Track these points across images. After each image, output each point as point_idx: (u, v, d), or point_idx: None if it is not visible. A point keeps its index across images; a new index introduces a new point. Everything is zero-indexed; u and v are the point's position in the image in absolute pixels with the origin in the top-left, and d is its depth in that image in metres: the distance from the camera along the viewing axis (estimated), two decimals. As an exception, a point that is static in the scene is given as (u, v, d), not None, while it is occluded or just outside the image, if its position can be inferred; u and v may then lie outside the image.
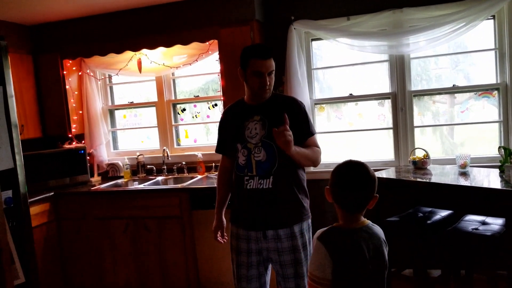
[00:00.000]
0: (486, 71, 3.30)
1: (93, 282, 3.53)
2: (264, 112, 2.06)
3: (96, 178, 3.97)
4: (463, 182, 2.74)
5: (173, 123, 4.02)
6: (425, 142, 3.45)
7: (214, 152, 3.64)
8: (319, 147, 2.14)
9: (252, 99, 2.12)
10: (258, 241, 2.05)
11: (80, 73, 3.99)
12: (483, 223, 2.69)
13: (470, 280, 2.76)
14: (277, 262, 2.05)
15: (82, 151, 3.82)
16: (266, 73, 2.00)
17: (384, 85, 3.47)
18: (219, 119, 2.30)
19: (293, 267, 2.02)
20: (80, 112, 4.00)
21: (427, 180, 2.87)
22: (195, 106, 3.99)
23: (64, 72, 3.86)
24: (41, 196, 3.41)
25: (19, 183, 2.36)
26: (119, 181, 3.86)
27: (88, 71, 3.98)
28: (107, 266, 3.48)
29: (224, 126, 2.23)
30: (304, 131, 2.08)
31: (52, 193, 3.52)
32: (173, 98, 4.02)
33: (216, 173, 3.69)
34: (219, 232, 2.30)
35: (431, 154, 3.26)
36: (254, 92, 2.06)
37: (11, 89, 2.41)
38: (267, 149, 2.01)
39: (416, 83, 3.44)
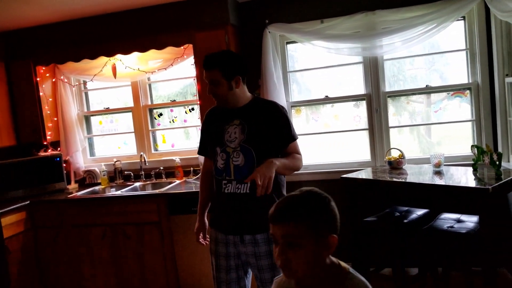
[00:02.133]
0: (459, 71, 3.36)
1: (72, 291, 3.47)
2: (244, 116, 2.05)
3: (73, 186, 3.91)
4: (437, 181, 2.78)
5: (150, 128, 3.98)
6: (403, 142, 3.49)
7: (192, 156, 3.72)
8: (300, 153, 2.12)
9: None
10: (236, 245, 2.05)
11: (54, 80, 3.93)
12: (458, 220, 2.73)
13: (447, 277, 2.81)
14: (255, 266, 2.04)
15: (58, 159, 3.76)
16: (208, 82, 2.03)
17: (359, 87, 3.50)
18: (197, 123, 2.32)
19: (271, 271, 2.01)
20: (55, 119, 3.93)
21: (402, 180, 2.91)
22: (172, 110, 3.96)
23: (38, 79, 3.79)
24: (16, 205, 3.34)
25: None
26: (97, 188, 3.80)
27: (62, 77, 3.91)
28: (85, 273, 3.43)
29: (206, 128, 2.21)
30: (285, 136, 2.06)
31: (28, 202, 3.45)
32: (149, 103, 3.99)
33: (195, 177, 3.72)
34: (200, 234, 2.28)
35: (408, 153, 3.30)
36: None
37: None
38: (245, 154, 2.00)
39: (392, 84, 3.49)
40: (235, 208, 2.02)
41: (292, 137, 2.09)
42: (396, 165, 3.16)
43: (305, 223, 1.09)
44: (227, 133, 2.04)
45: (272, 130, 2.02)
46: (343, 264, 1.18)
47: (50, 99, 3.91)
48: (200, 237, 2.29)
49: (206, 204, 2.29)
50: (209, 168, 2.22)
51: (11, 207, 3.27)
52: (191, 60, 3.53)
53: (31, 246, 3.46)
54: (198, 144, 2.31)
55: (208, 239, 2.24)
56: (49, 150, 3.89)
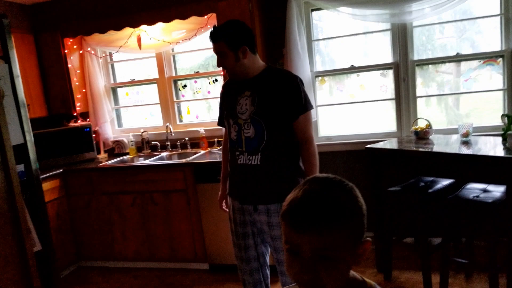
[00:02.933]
0: (491, 38, 3.23)
1: (105, 253, 3.66)
2: (254, 87, 2.03)
3: (102, 155, 4.05)
4: (464, 150, 2.73)
5: (174, 100, 4.04)
6: (430, 114, 3.42)
7: (215, 127, 3.77)
8: (310, 135, 2.05)
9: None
10: (250, 213, 2.09)
11: (81, 52, 4.00)
12: (485, 190, 2.70)
13: (470, 247, 2.80)
14: (269, 235, 2.08)
15: (88, 129, 3.88)
16: (216, 54, 2.04)
17: (387, 55, 3.42)
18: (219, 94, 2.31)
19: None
20: (84, 90, 4.03)
21: (428, 150, 2.87)
22: (195, 82, 3.99)
23: (66, 51, 3.88)
24: (50, 173, 3.49)
25: (30, 157, 2.43)
26: (125, 157, 3.93)
27: (89, 49, 3.98)
28: (117, 237, 3.60)
29: (222, 100, 2.23)
30: (296, 107, 2.00)
31: (61, 170, 3.60)
32: (173, 74, 4.02)
33: (219, 148, 3.78)
34: (223, 202, 2.35)
35: (436, 125, 3.24)
36: None
37: (16, 69, 2.43)
38: (255, 126, 2.00)
39: (421, 53, 3.39)
40: (248, 178, 2.05)
41: (303, 108, 2.01)
42: (422, 135, 3.12)
43: (345, 232, 0.84)
44: (239, 104, 2.04)
45: (283, 100, 1.98)
46: (368, 280, 0.95)
47: (78, 71, 4.00)
48: (223, 204, 2.36)
49: (228, 173, 2.33)
50: (228, 136, 2.26)
51: (45, 175, 3.42)
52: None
53: (65, 212, 3.64)
54: (219, 115, 2.33)
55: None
56: (79, 121, 4.01)
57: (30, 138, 2.46)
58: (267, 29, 3.52)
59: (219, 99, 2.29)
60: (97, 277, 3.55)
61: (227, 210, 2.34)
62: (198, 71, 3.94)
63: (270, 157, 2.01)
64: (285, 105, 1.99)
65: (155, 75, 4.05)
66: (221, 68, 3.44)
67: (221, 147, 3.65)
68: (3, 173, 1.92)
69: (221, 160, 2.41)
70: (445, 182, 2.93)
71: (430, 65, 3.42)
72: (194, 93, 4.01)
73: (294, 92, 2.01)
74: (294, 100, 2.00)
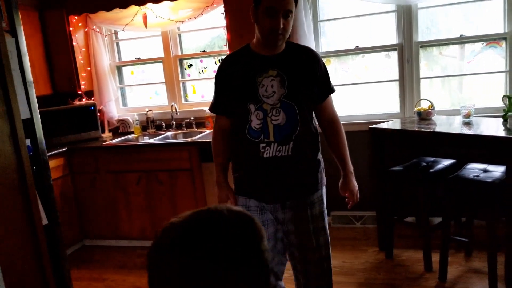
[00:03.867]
0: (495, 21, 3.25)
1: (109, 231, 3.71)
2: (281, 65, 1.74)
3: (107, 134, 4.07)
4: (466, 131, 2.78)
5: (180, 79, 4.05)
6: (433, 96, 3.46)
7: None
8: (335, 112, 1.94)
9: (262, 47, 1.76)
10: (275, 211, 1.85)
11: (86, 29, 4.00)
12: (485, 170, 2.76)
13: (470, 226, 2.88)
14: (295, 233, 1.86)
15: (92, 108, 3.90)
16: (281, 12, 1.63)
17: (391, 37, 3.45)
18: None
19: (314, 235, 1.85)
20: (88, 68, 4.04)
21: (431, 130, 2.92)
22: (201, 61, 4.00)
23: (71, 29, 3.87)
24: (55, 151, 3.51)
25: (36, 132, 2.44)
26: (130, 136, 3.96)
27: (94, 27, 3.98)
28: (122, 216, 3.65)
29: (226, 79, 1.83)
30: (326, 87, 1.85)
31: (66, 148, 3.63)
32: (179, 53, 4.03)
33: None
34: (228, 202, 1.94)
35: (439, 107, 3.29)
36: (264, 37, 1.71)
37: (24, 47, 2.40)
38: (286, 111, 1.73)
39: (425, 36, 3.41)
40: (276, 173, 1.78)
41: (331, 87, 1.88)
42: (425, 116, 3.16)
43: None
44: (262, 86, 1.72)
45: (314, 80, 1.78)
46: None
47: (83, 49, 4.00)
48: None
49: (227, 169, 1.99)
50: (226, 129, 1.91)
51: (50, 153, 3.41)
52: (221, 9, 3.52)
53: (70, 190, 3.68)
54: (213, 99, 1.91)
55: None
56: (84, 99, 4.03)
57: (36, 115, 2.47)
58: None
59: (214, 78, 1.91)
60: (101, 255, 3.61)
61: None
62: (204, 51, 3.95)
63: (301, 146, 1.78)
64: (316, 85, 1.80)
65: (160, 54, 4.06)
66: (227, 47, 3.50)
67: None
68: (12, 145, 1.94)
69: None
70: (446, 162, 2.98)
71: (434, 48, 3.45)
72: (199, 72, 4.03)
73: (323, 70, 1.84)
74: (324, 79, 1.84)
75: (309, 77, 1.78)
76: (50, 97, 4.00)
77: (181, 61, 4.04)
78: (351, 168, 1.93)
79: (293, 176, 1.79)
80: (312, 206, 1.85)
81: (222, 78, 1.85)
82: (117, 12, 3.77)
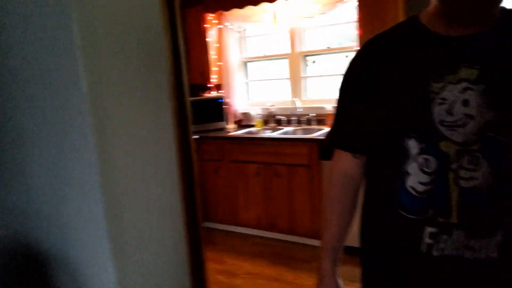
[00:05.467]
0: None
1: (229, 217, 3.94)
2: (491, 59, 0.85)
3: (231, 126, 4.30)
4: None
5: (302, 75, 4.07)
6: None
7: None
8: None
9: (446, 19, 0.89)
10: None
11: (219, 26, 4.25)
12: None
13: None
14: None
15: (221, 100, 4.15)
16: None
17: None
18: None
19: None
20: (220, 63, 4.30)
21: None
22: (326, 58, 3.95)
23: (206, 26, 4.16)
24: (189, 139, 3.84)
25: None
26: (252, 129, 4.12)
27: (226, 23, 4.21)
28: (240, 204, 3.84)
29: (365, 82, 0.98)
30: None
31: (198, 136, 3.94)
32: (304, 49, 4.04)
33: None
34: None
35: None
36: None
37: (181, 49, 2.13)
38: (493, 160, 0.83)
39: None
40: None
41: None
42: None
43: None
44: (442, 103, 0.85)
45: None
46: None
47: (216, 45, 4.27)
48: None
49: (340, 244, 1.13)
50: (351, 174, 1.08)
51: (184, 140, 3.77)
52: (350, 4, 3.41)
53: (199, 175, 3.99)
54: (333, 122, 1.11)
55: None
56: (211, 92, 4.31)
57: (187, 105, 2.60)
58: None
59: (341, 81, 1.08)
60: (219, 238, 3.86)
61: None
62: (329, 47, 3.90)
63: None
64: None
65: (284, 50, 4.12)
66: (357, 43, 3.29)
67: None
68: (180, 129, 2.07)
69: None
70: None
71: None
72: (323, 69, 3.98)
73: None
74: None
75: None
76: (185, 89, 4.36)
77: (305, 57, 4.05)
78: None
79: None
80: None
81: (358, 81, 1.00)
82: (249, 9, 3.92)
